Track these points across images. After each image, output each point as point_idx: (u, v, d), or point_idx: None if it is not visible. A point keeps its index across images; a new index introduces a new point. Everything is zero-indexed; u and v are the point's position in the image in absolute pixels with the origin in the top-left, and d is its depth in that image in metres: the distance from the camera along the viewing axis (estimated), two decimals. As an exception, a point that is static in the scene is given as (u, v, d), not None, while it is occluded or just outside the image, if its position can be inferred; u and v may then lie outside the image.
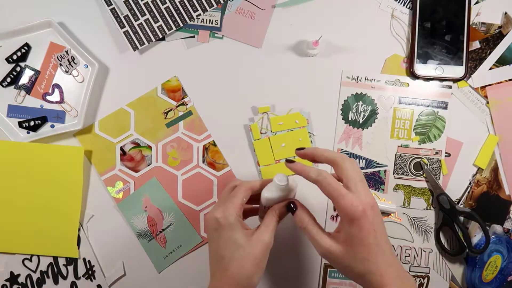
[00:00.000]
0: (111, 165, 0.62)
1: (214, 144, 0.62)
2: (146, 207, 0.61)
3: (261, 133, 0.61)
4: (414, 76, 0.62)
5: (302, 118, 0.61)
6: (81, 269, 0.61)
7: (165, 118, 0.62)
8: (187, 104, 0.62)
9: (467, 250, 0.60)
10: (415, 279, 0.62)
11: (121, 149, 0.62)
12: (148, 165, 0.62)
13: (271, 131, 0.61)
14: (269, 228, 0.47)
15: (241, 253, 0.46)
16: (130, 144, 0.62)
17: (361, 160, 0.62)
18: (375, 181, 0.62)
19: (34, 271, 0.61)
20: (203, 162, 0.62)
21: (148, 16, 0.61)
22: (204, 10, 0.62)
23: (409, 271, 0.62)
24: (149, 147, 0.62)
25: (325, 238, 0.45)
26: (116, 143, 0.62)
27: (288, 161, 0.48)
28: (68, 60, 0.61)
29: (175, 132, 0.62)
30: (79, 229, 0.61)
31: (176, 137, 0.62)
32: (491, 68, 0.63)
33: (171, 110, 0.62)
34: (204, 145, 0.62)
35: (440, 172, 0.62)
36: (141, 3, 0.61)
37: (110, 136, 0.62)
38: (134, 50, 0.61)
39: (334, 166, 0.46)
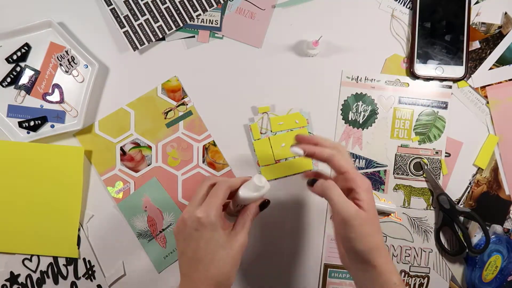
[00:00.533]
0: (111, 165, 0.62)
1: (214, 144, 0.62)
2: (146, 207, 0.61)
3: (261, 133, 0.61)
4: (414, 76, 0.62)
5: (302, 118, 0.61)
6: (81, 269, 0.61)
7: (165, 118, 0.62)
8: (187, 104, 0.62)
9: (467, 250, 0.60)
10: (415, 279, 0.62)
11: (121, 149, 0.62)
12: (148, 165, 0.62)
13: (271, 131, 0.61)
14: (245, 227, 0.48)
15: (222, 254, 0.46)
16: (130, 144, 0.62)
17: (361, 160, 0.62)
18: (375, 181, 0.62)
19: (34, 271, 0.61)
20: (203, 162, 0.62)
21: (148, 16, 0.61)
22: (204, 10, 0.62)
23: (409, 271, 0.62)
24: (149, 147, 0.62)
25: (351, 203, 0.47)
26: (116, 143, 0.62)
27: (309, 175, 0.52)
28: (68, 60, 0.61)
29: (175, 132, 0.62)
30: (79, 229, 0.61)
31: (176, 137, 0.62)
32: (491, 68, 0.63)
33: (171, 110, 0.62)
34: (204, 145, 0.62)
35: (440, 172, 0.62)
36: (141, 3, 0.61)
37: (110, 136, 0.62)
38: (134, 50, 0.61)
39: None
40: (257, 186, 0.48)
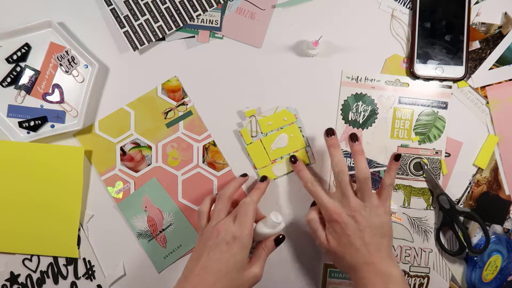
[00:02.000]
0: (111, 165, 0.62)
1: (214, 144, 0.62)
2: (146, 207, 0.61)
3: (252, 136, 0.61)
4: (414, 76, 0.62)
5: (290, 114, 0.61)
6: (81, 269, 0.61)
7: (165, 118, 0.62)
8: (187, 104, 0.62)
9: (467, 250, 0.60)
10: (415, 279, 0.62)
11: (121, 149, 0.62)
12: (148, 165, 0.62)
13: (262, 132, 0.61)
14: (260, 261, 0.51)
15: (235, 275, 0.48)
16: (130, 144, 0.62)
17: (361, 160, 0.62)
18: (375, 181, 0.62)
19: (34, 271, 0.61)
20: (203, 162, 0.62)
21: (148, 16, 0.61)
22: (204, 10, 0.62)
23: (409, 271, 0.62)
24: (149, 147, 0.62)
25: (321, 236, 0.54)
26: (116, 143, 0.62)
27: (292, 160, 0.58)
28: (68, 60, 0.61)
29: (175, 132, 0.62)
30: (79, 229, 0.61)
31: (176, 137, 0.62)
32: (491, 68, 0.63)
33: (171, 110, 0.62)
34: (204, 145, 0.62)
35: (440, 172, 0.62)
36: (141, 3, 0.61)
37: (110, 136, 0.62)
38: (134, 50, 0.61)
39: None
40: (274, 223, 0.52)
